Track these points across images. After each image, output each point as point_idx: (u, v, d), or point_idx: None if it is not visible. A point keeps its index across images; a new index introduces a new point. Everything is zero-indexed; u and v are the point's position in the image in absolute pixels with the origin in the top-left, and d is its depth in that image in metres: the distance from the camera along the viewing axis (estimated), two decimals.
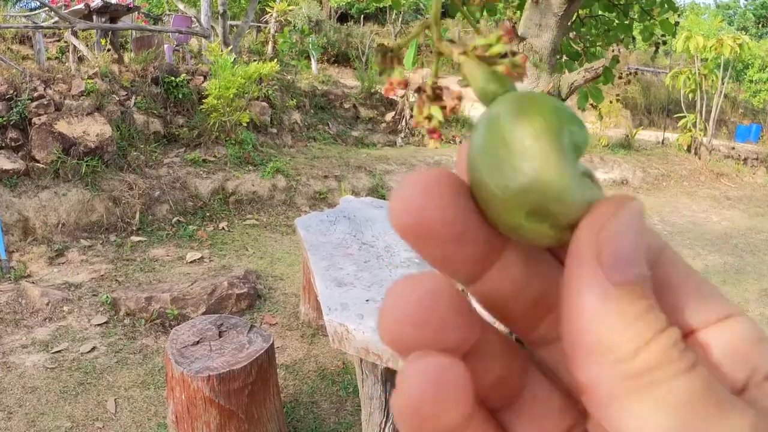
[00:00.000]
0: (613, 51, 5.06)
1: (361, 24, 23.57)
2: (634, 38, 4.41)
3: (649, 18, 4.02)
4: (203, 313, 5.46)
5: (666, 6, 3.92)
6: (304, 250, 4.02)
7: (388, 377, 2.98)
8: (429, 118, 0.39)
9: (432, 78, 0.40)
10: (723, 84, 15.12)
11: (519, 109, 0.32)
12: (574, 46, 4.14)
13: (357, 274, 3.45)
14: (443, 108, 0.38)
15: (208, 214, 8.18)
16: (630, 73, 7.42)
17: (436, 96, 0.39)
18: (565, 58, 4.11)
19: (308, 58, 16.28)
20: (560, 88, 2.13)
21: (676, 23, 4.31)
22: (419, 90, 0.40)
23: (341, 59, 19.35)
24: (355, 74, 16.34)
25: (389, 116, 12.95)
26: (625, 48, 4.61)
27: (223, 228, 7.92)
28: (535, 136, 0.30)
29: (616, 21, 4.38)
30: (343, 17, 23.67)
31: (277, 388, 3.77)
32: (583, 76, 2.12)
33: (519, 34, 2.19)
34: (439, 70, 0.41)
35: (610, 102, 13.79)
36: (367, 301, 3.05)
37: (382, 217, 4.72)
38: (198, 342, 3.61)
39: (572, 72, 4.13)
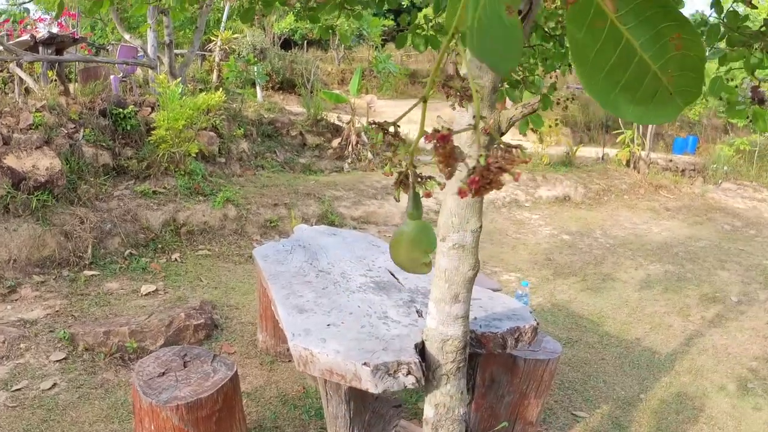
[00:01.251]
0: (551, 77, 5.32)
1: (305, 50, 23.77)
2: (570, 65, 4.66)
3: None
4: (162, 345, 5.53)
5: None
6: (264, 279, 4.15)
7: (352, 396, 3.14)
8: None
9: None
10: None
11: (411, 228, 0.90)
12: (514, 75, 4.38)
13: (316, 300, 3.61)
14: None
15: (160, 245, 8.21)
16: (567, 98, 7.72)
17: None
18: (506, 85, 4.35)
19: (254, 86, 16.39)
20: (500, 122, 2.33)
21: None
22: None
23: (286, 86, 19.49)
24: (299, 100, 16.48)
25: (336, 143, 13.12)
26: (563, 75, 4.88)
27: (176, 259, 7.97)
28: (408, 242, 0.85)
29: (553, 50, 4.65)
30: (286, 43, 23.85)
31: (242, 414, 3.88)
32: (521, 112, 2.32)
33: (461, 75, 2.38)
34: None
35: (550, 126, 14.19)
36: (328, 326, 3.21)
37: (335, 244, 4.89)
38: (164, 373, 3.71)
39: (513, 102, 4.37)
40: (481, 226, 2.58)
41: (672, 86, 0.61)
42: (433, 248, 0.86)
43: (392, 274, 4.18)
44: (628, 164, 15.67)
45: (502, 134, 2.18)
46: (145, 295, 6.79)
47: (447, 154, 0.75)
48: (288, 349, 5.33)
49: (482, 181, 0.70)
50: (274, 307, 3.63)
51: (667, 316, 7.48)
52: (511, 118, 2.28)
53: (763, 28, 3.27)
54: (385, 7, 4.37)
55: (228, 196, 9.24)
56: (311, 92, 15.36)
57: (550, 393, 5.24)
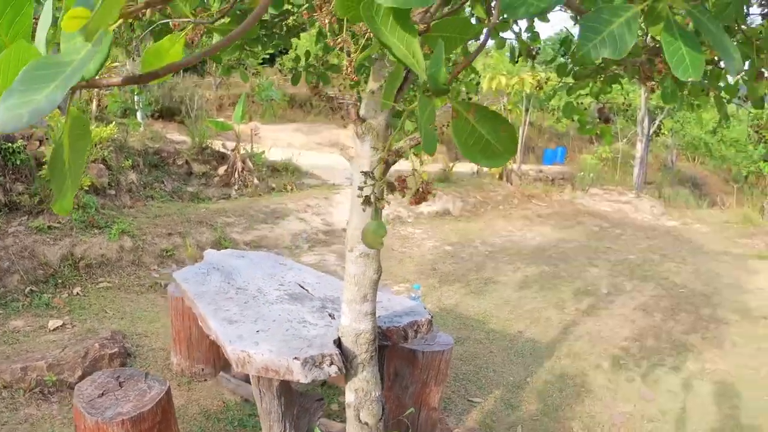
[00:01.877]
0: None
1: (182, 76, 23.80)
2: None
3: (457, 80, 4.91)
4: (80, 377, 5.71)
5: (469, 70, 4.84)
6: (189, 299, 4.57)
7: (282, 392, 3.64)
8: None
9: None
10: (527, 115, 16.73)
11: (374, 224, 1.65)
12: (397, 107, 4.95)
13: (242, 312, 4.09)
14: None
15: (60, 280, 8.32)
16: (444, 125, 8.47)
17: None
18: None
19: (136, 114, 16.43)
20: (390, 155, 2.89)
21: (477, 83, 5.23)
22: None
23: (165, 114, 19.55)
24: (179, 128, 16.59)
25: (222, 170, 13.39)
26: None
27: (77, 293, 8.11)
28: (371, 232, 1.51)
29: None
30: None
31: (177, 426, 4.27)
32: (408, 144, 2.88)
33: (360, 116, 2.94)
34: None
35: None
36: (257, 332, 3.70)
37: (245, 265, 5.36)
38: (103, 394, 4.05)
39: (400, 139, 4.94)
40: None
41: (501, 148, 1.18)
42: (384, 234, 1.49)
43: (302, 287, 4.70)
44: (501, 177, 16.64)
45: (395, 162, 2.70)
46: (54, 330, 6.92)
47: (420, 196, 1.32)
48: (203, 369, 5.76)
49: (418, 199, 1.26)
50: (204, 321, 4.07)
51: (545, 310, 8.25)
52: (399, 149, 2.84)
53: (602, 64, 3.97)
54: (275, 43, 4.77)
55: (123, 228, 9.41)
56: (195, 120, 15.54)
57: (447, 384, 5.84)
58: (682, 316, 8.43)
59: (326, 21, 1.95)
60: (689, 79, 1.10)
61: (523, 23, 4.69)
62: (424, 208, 13.68)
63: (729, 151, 22.29)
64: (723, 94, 3.53)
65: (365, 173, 1.46)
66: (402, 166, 10.97)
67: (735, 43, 2.83)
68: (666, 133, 21.76)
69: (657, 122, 19.46)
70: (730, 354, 7.34)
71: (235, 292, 4.55)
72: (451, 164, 16.33)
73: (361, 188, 1.47)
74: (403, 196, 1.48)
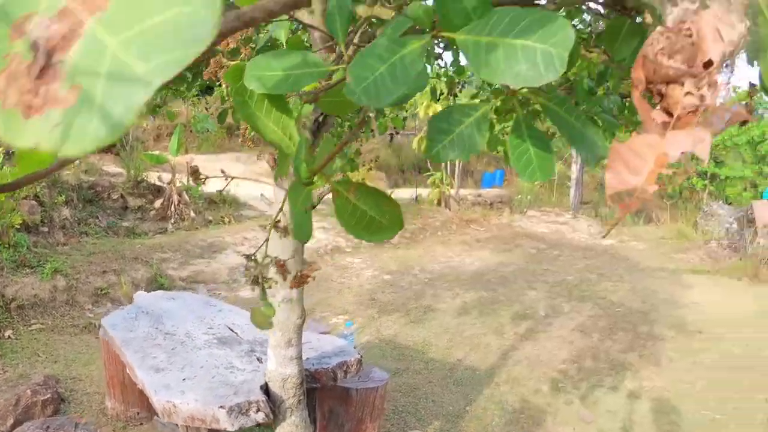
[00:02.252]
0: (358, 142, 5.95)
1: None
2: (372, 130, 5.32)
3: (383, 116, 4.95)
4: (12, 425, 5.57)
5: (396, 105, 4.88)
6: (117, 347, 4.49)
7: None
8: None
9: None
10: None
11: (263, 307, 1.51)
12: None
13: (169, 359, 4.02)
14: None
15: None
16: (373, 160, 8.50)
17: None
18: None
19: None
20: (312, 200, 2.90)
21: (404, 118, 5.28)
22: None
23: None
24: (115, 159, 16.30)
25: (158, 203, 13.20)
26: (366, 140, 5.56)
27: (9, 336, 7.90)
28: (259, 313, 1.45)
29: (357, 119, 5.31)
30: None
31: None
32: (329, 189, 2.89)
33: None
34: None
35: (369, 169, 14.89)
36: (183, 380, 3.65)
37: (176, 308, 5.29)
38: None
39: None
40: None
41: (386, 223, 1.18)
42: (273, 314, 1.48)
43: (231, 329, 4.65)
44: (439, 203, 16.73)
45: (314, 206, 2.70)
46: None
47: (299, 280, 1.34)
48: (138, 413, 5.65)
49: (297, 283, 1.27)
50: (131, 370, 4.01)
51: (484, 336, 8.30)
52: (320, 194, 2.85)
53: (522, 99, 4.04)
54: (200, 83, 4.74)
55: (56, 267, 9.22)
56: (130, 152, 15.29)
57: (386, 418, 5.81)
58: (619, 335, 8.57)
59: (223, 85, 1.95)
60: (537, 182, 1.13)
61: (448, 57, 4.78)
62: None
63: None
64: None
65: (247, 256, 1.46)
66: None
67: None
68: None
69: None
70: (667, 370, 7.49)
71: (164, 338, 4.49)
72: (389, 191, 16.32)
73: (247, 269, 1.47)
74: (269, 286, 1.50)
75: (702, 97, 0.62)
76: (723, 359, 7.85)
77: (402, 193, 17.12)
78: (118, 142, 17.33)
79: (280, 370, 3.30)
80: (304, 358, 3.55)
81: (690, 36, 0.63)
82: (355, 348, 4.21)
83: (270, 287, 1.48)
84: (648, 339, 8.49)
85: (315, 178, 1.21)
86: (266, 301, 1.51)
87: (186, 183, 13.77)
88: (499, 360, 7.55)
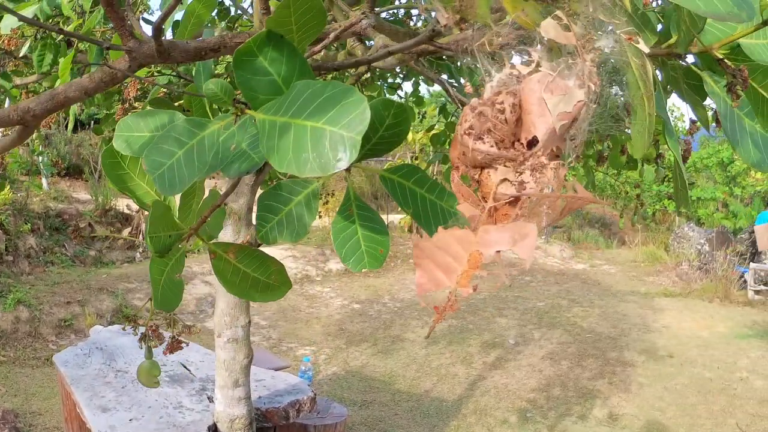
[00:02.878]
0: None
1: (88, 131, 23.17)
2: None
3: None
4: None
5: None
6: (66, 385, 4.38)
7: None
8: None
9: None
10: (437, 165, 16.86)
11: (147, 363, 1.64)
12: (281, 175, 4.93)
13: (118, 399, 3.92)
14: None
15: None
16: (329, 194, 8.42)
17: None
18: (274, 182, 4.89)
19: (38, 174, 15.94)
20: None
21: None
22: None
23: (72, 171, 18.97)
24: (86, 186, 16.15)
25: (126, 232, 13.08)
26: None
27: None
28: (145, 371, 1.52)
29: None
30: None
31: None
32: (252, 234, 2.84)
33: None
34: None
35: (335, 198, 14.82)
36: (130, 420, 3.55)
37: (130, 343, 5.18)
38: None
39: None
40: (249, 321, 3.07)
41: (275, 282, 1.13)
42: (159, 374, 1.52)
43: (184, 366, 4.55)
44: (410, 230, 16.65)
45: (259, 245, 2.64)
46: None
47: (172, 346, 1.30)
48: None
49: (171, 348, 1.23)
50: (80, 409, 3.90)
51: (453, 366, 8.23)
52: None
53: None
54: None
55: (19, 298, 9.08)
56: (99, 179, 15.15)
57: None
58: (588, 362, 8.53)
59: None
60: (363, 270, 1.07)
61: (408, 86, 4.76)
62: (333, 265, 13.55)
63: (634, 192, 22.94)
64: (590, 162, 3.60)
65: (126, 317, 1.42)
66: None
67: None
68: (569, 178, 22.23)
69: None
70: (637, 396, 7.45)
71: (114, 376, 4.39)
72: None
73: (134, 329, 1.43)
74: (156, 346, 1.46)
75: (522, 185, 0.55)
76: (694, 383, 7.83)
77: None
78: (88, 168, 17.18)
79: (228, 410, 3.22)
80: (255, 396, 3.47)
81: (502, 111, 0.55)
82: (309, 385, 4.13)
83: (156, 346, 1.45)
84: (618, 365, 8.46)
85: (190, 241, 1.15)
86: (152, 360, 1.52)
87: None
88: (467, 390, 7.48)
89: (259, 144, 0.87)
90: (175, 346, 1.44)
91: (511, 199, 0.55)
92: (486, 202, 0.56)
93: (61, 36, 2.46)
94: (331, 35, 1.14)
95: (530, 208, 0.54)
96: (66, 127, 21.77)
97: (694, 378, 8.01)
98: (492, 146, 0.54)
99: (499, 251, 0.54)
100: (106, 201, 13.59)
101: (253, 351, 3.29)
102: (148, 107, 0.89)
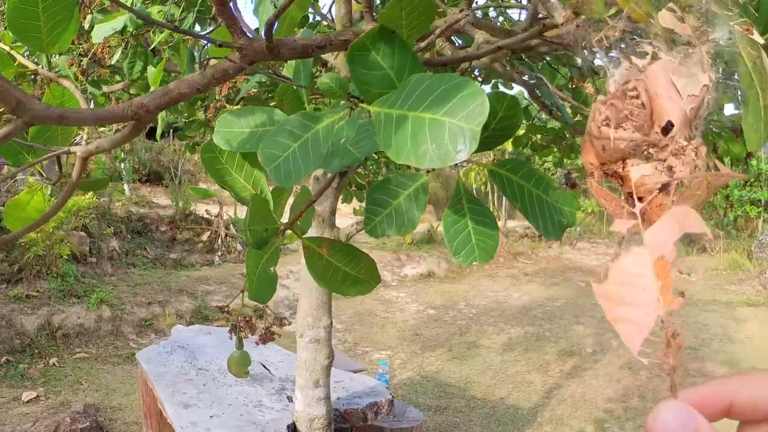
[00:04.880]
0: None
1: (171, 137, 23.71)
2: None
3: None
4: None
5: None
6: (149, 381, 4.48)
7: None
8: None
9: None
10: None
11: (237, 354, 1.64)
12: (359, 179, 4.95)
13: (199, 396, 3.99)
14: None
15: (36, 350, 8.21)
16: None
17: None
18: (354, 188, 4.92)
19: (121, 180, 16.36)
20: (340, 237, 2.85)
21: None
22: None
23: (153, 178, 19.43)
24: (166, 192, 16.51)
25: (205, 236, 13.32)
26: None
27: (54, 364, 8.00)
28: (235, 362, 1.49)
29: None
30: (152, 131, 23.65)
31: None
32: (356, 228, 2.84)
33: None
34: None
35: None
36: (211, 417, 3.61)
37: (211, 342, 5.28)
38: None
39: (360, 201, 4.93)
40: (331, 323, 3.08)
41: (363, 277, 1.13)
42: (249, 364, 1.54)
43: (264, 366, 4.61)
44: None
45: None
46: (27, 402, 6.82)
47: (265, 337, 1.33)
48: None
49: (264, 339, 1.24)
50: (161, 405, 3.99)
51: (528, 374, 8.13)
52: (348, 234, 2.80)
53: (560, 134, 3.96)
54: None
55: (102, 297, 9.32)
56: (179, 185, 15.47)
57: None
58: None
59: None
60: (474, 263, 1.05)
61: (487, 89, 4.73)
62: (409, 270, 13.56)
63: (715, 197, 22.34)
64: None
65: (220, 308, 1.43)
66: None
67: None
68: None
69: None
70: None
71: (196, 373, 4.47)
72: (435, 224, 16.24)
73: (227, 319, 1.45)
74: (246, 336, 1.47)
75: (670, 169, 0.52)
76: None
77: None
78: (168, 175, 17.56)
79: (307, 410, 3.24)
80: (334, 397, 3.49)
81: (637, 97, 0.53)
82: (387, 388, 4.14)
83: (247, 337, 1.46)
84: (698, 376, 8.22)
85: (287, 234, 1.15)
86: (242, 351, 1.52)
87: (234, 216, 13.89)
88: (543, 398, 7.37)
89: (361, 140, 0.87)
90: (267, 336, 1.45)
91: (663, 187, 0.52)
92: (635, 199, 0.53)
93: (156, 42, 2.52)
94: (437, 31, 1.14)
95: (682, 194, 0.51)
96: (147, 135, 22.36)
97: None
98: (634, 132, 0.52)
99: (675, 244, 0.50)
100: (186, 206, 13.87)
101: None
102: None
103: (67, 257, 9.70)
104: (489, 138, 1.07)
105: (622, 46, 0.57)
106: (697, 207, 0.51)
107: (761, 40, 0.63)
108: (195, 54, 2.31)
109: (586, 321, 10.60)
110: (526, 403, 7.21)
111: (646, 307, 0.49)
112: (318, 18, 3.76)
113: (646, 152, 0.53)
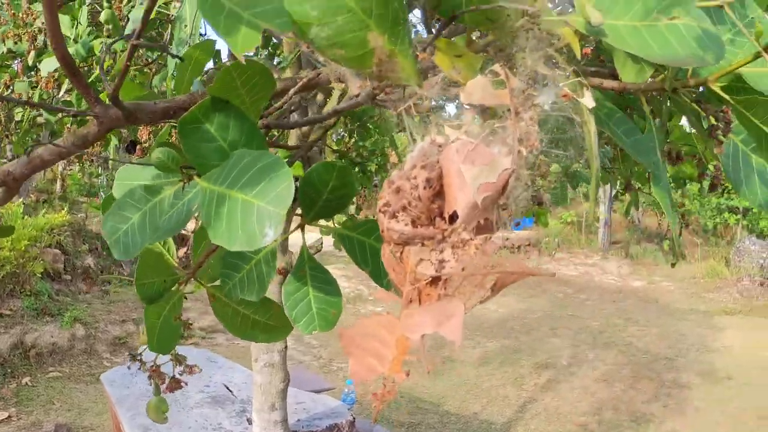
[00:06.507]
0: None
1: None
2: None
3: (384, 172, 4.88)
4: None
5: None
6: (111, 404, 4.46)
7: None
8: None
9: None
10: None
11: (155, 400, 1.62)
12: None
13: None
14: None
15: (9, 370, 8.11)
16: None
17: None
18: None
19: (96, 196, 16.29)
20: (292, 261, 2.84)
21: None
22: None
23: None
24: None
25: (182, 252, 13.22)
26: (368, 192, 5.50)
27: (26, 383, 7.91)
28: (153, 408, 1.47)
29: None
30: (132, 145, 23.65)
31: None
32: (321, 243, 2.83)
33: None
34: None
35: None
36: None
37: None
38: None
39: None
40: (286, 347, 3.07)
41: (276, 323, 1.12)
42: (167, 410, 1.53)
43: (227, 388, 4.60)
44: None
45: (286, 271, 2.66)
46: None
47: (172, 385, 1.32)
48: None
49: (171, 388, 1.23)
50: (122, 427, 3.97)
51: (503, 388, 8.12)
52: (315, 247, 2.79)
53: None
54: None
55: (76, 315, 9.25)
56: None
57: None
58: (643, 384, 8.34)
59: None
60: (314, 332, 1.05)
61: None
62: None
63: (693, 206, 22.43)
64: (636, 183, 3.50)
65: (132, 356, 1.44)
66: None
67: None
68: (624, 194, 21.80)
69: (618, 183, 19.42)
70: (693, 420, 7.25)
71: None
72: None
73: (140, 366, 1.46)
74: (161, 383, 1.48)
75: (441, 263, 0.52)
76: (753, 407, 7.56)
77: None
78: None
79: None
80: (294, 419, 3.49)
81: (416, 187, 0.52)
82: (349, 409, 4.14)
83: (163, 383, 1.47)
84: (673, 387, 8.25)
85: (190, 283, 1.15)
86: (159, 397, 1.52)
87: None
88: (517, 413, 7.37)
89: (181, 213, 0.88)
90: (174, 385, 1.46)
91: (431, 279, 0.52)
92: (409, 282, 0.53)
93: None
94: (291, 91, 1.14)
95: (455, 287, 0.51)
96: (119, 150, 22.27)
97: (753, 401, 7.75)
98: (407, 225, 0.51)
99: (423, 335, 0.51)
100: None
101: (300, 372, 3.31)
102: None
103: (40, 275, 9.62)
104: (324, 208, 1.08)
105: (430, 118, 0.57)
106: (479, 301, 0.51)
107: (591, 104, 0.63)
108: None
109: (562, 333, 10.63)
110: (500, 418, 7.21)
111: (376, 362, 0.51)
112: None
113: (420, 243, 0.52)
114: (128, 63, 0.76)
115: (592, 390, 8.09)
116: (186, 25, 1.54)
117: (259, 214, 0.71)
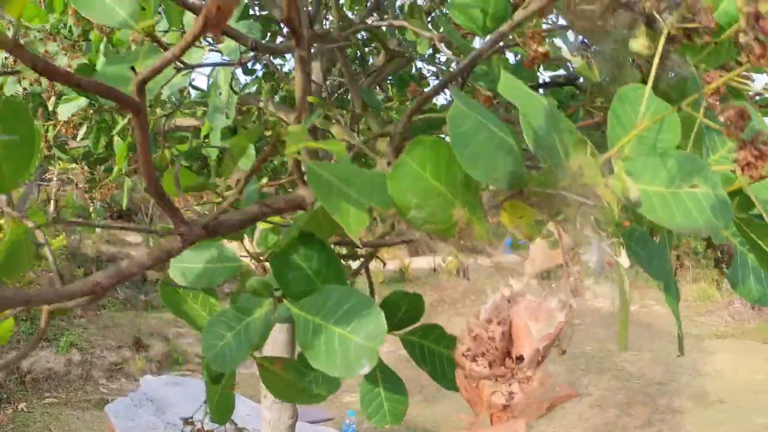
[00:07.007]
0: None
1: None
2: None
3: None
4: None
5: None
6: None
7: None
8: None
9: None
10: None
11: None
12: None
13: None
14: None
15: (5, 395, 8.09)
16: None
17: None
18: None
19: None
20: None
21: None
22: None
23: (125, 215, 19.31)
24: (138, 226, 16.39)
25: None
26: None
27: (22, 409, 7.90)
28: None
29: None
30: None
31: None
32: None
33: None
34: None
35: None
36: None
37: (180, 394, 5.28)
38: None
39: None
40: None
41: (322, 391, 1.19)
42: None
43: (232, 421, 4.63)
44: (458, 273, 16.37)
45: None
46: None
47: None
48: None
49: None
50: None
51: None
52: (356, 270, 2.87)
53: None
54: None
55: (71, 340, 9.24)
56: (150, 223, 15.39)
57: None
58: (637, 410, 8.41)
59: None
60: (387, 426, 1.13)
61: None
62: None
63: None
64: None
65: (185, 420, 1.51)
66: None
67: None
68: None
69: None
70: None
71: (164, 428, 4.49)
72: (407, 261, 16.17)
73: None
74: None
75: (511, 395, 0.64)
76: (744, 431, 7.62)
77: (421, 262, 16.98)
78: (140, 212, 17.47)
79: None
80: None
81: (493, 339, 0.64)
82: None
83: None
84: (667, 412, 8.31)
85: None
86: None
87: None
88: None
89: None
90: None
91: (501, 408, 0.65)
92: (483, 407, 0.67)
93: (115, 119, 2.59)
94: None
95: (520, 410, 0.64)
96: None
97: (744, 425, 7.82)
98: (485, 367, 0.64)
99: None
100: (158, 244, 13.77)
101: (298, 407, 3.37)
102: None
103: None
104: (397, 324, 1.33)
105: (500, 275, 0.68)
106: (537, 417, 0.63)
107: (627, 263, 0.73)
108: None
109: (555, 359, 10.63)
110: None
111: None
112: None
113: (494, 379, 0.64)
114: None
115: (587, 416, 8.16)
116: (221, 93, 1.62)
117: (356, 348, 0.82)
